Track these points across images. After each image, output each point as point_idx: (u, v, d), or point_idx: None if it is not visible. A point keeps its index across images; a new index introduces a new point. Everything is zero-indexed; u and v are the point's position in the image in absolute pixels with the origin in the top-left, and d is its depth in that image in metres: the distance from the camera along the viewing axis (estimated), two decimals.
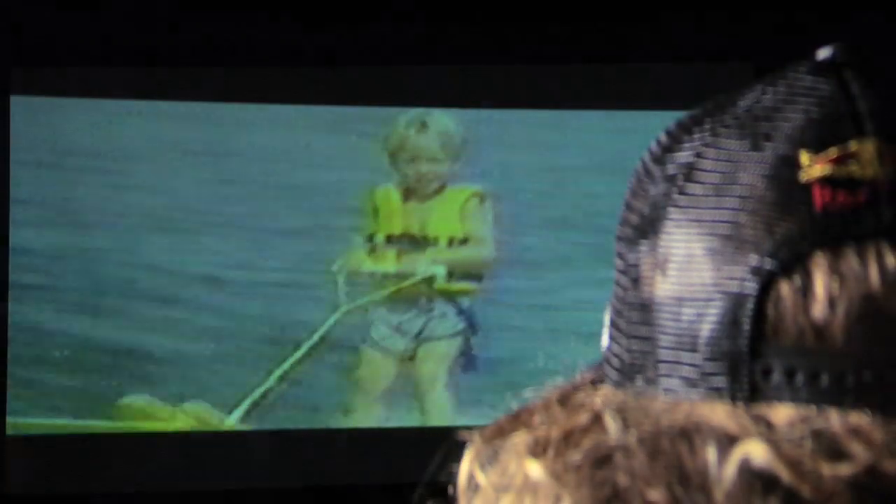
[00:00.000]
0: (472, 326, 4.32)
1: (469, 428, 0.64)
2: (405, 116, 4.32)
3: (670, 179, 0.59)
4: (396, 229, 4.31)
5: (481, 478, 0.61)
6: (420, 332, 4.30)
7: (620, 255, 0.61)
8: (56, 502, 4.13)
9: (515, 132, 4.34)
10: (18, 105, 4.15)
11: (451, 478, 0.63)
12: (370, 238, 4.30)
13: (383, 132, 4.31)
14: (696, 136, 0.59)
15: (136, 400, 4.14)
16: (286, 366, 4.20)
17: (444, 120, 4.35)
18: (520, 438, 0.59)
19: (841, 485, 0.51)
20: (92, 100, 4.19)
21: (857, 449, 0.52)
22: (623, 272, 0.61)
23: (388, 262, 4.31)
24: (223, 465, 4.16)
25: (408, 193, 4.33)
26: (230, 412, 4.16)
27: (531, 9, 4.23)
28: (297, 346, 4.22)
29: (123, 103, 4.19)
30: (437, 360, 4.30)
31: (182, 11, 4.13)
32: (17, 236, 4.13)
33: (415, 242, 4.32)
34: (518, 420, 0.62)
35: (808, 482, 0.51)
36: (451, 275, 4.33)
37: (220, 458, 4.16)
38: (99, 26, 4.13)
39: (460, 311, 4.32)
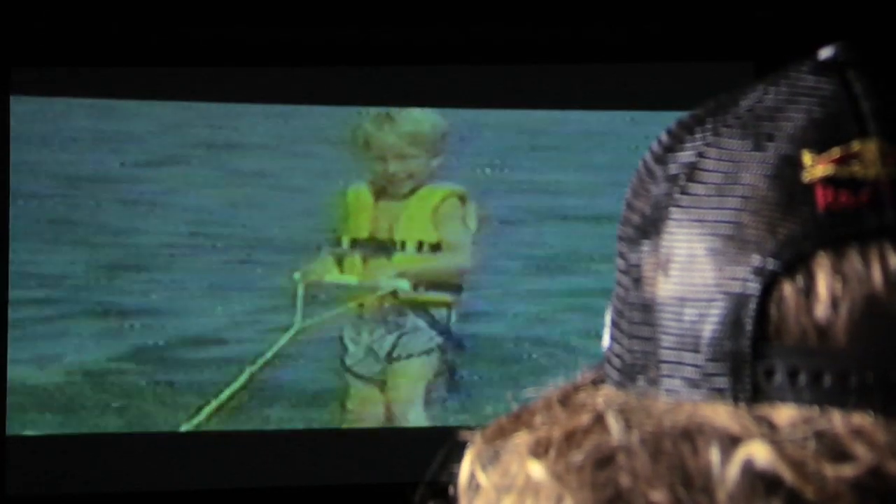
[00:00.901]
0: (449, 342, 4.10)
1: (470, 428, 0.64)
2: (371, 112, 4.16)
3: (672, 179, 0.59)
4: (363, 233, 4.06)
5: (482, 478, 0.60)
6: (391, 351, 4.04)
7: (622, 255, 0.61)
8: (56, 502, 4.13)
9: (511, 131, 4.31)
10: (18, 105, 4.15)
11: (452, 478, 0.63)
12: (336, 242, 4.10)
13: (353, 130, 4.17)
14: (698, 135, 0.59)
15: None
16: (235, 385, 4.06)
17: (413, 115, 4.15)
18: (521, 439, 0.59)
19: (844, 486, 0.51)
20: (92, 100, 4.19)
21: (861, 450, 0.52)
22: (625, 272, 0.60)
23: (353, 271, 4.07)
24: (223, 465, 4.16)
25: (379, 193, 4.09)
26: None
27: (531, 9, 4.23)
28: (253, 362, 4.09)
29: (123, 103, 4.19)
30: (412, 381, 4.06)
31: (183, 11, 4.12)
32: (17, 236, 4.13)
33: (381, 248, 4.09)
34: (519, 420, 0.61)
35: (812, 483, 0.51)
36: (416, 286, 4.07)
37: (221, 458, 4.16)
38: (99, 26, 4.13)
39: (433, 324, 4.08)
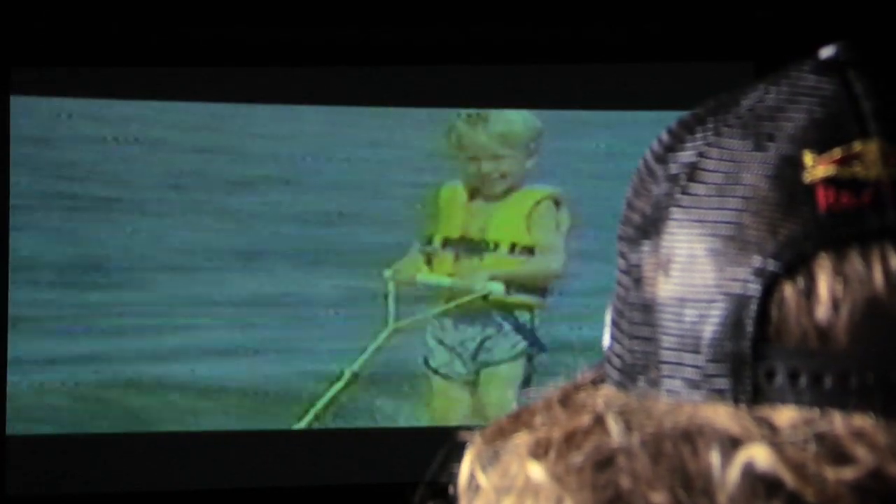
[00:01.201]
0: (535, 345, 4.05)
1: (470, 428, 0.64)
2: (465, 112, 4.15)
3: (673, 179, 0.58)
4: (455, 232, 4.03)
5: (482, 479, 0.60)
6: (476, 354, 3.99)
7: (622, 255, 0.61)
8: (56, 502, 4.13)
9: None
10: (18, 105, 4.15)
11: (452, 478, 0.63)
12: (428, 241, 4.09)
13: (447, 130, 4.16)
14: (699, 135, 0.59)
15: None
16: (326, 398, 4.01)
17: (506, 115, 4.14)
18: (521, 439, 0.59)
19: (844, 488, 0.51)
20: (92, 100, 4.19)
21: (861, 452, 0.51)
22: (625, 272, 0.60)
23: (443, 270, 4.03)
24: (223, 465, 4.16)
25: (474, 193, 4.06)
26: None
27: (531, 9, 4.23)
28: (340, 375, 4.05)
29: (123, 103, 4.19)
30: (502, 384, 3.98)
31: (183, 11, 4.12)
32: (17, 236, 4.13)
33: (473, 247, 4.06)
34: (519, 420, 0.61)
35: (812, 486, 0.51)
36: (509, 287, 4.03)
37: (222, 458, 4.16)
38: (99, 26, 4.13)
39: (519, 328, 4.04)
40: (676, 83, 4.15)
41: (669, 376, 0.57)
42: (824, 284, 0.54)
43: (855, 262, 0.54)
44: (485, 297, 4.00)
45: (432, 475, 0.69)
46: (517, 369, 4.02)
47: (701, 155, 0.58)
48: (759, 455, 0.51)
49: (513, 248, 4.03)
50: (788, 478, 0.51)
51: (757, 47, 4.16)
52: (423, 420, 4.09)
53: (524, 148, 4.11)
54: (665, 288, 0.58)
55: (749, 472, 0.51)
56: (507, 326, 4.00)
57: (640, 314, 0.59)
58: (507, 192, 4.08)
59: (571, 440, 0.57)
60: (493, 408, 3.95)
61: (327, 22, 4.20)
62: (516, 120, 4.13)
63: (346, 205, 4.13)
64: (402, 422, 4.09)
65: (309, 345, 4.10)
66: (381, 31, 4.24)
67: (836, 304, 0.53)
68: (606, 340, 0.62)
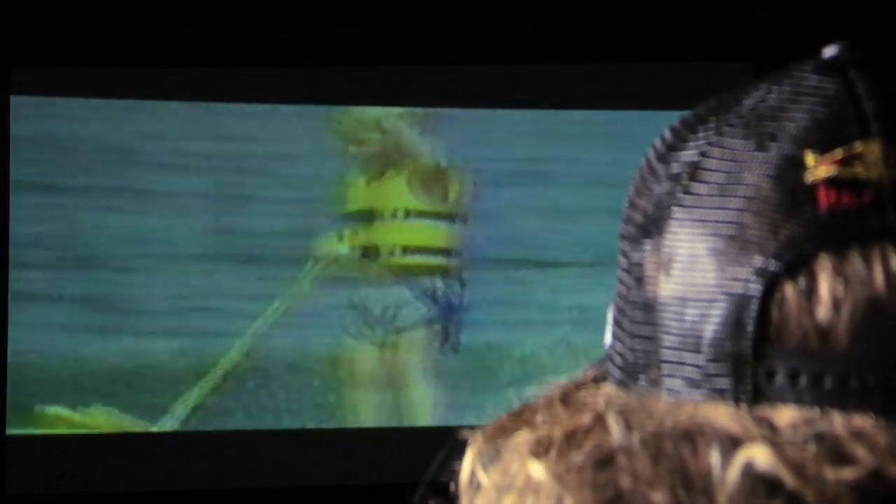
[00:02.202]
0: (446, 308, 4.25)
1: (472, 427, 0.64)
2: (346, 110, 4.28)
3: (675, 178, 0.58)
4: (355, 207, 4.25)
5: (483, 477, 0.60)
6: (391, 319, 4.21)
7: (624, 254, 0.61)
8: (56, 502, 4.13)
9: (507, 131, 4.32)
10: (18, 105, 4.15)
11: (453, 476, 0.63)
12: (337, 219, 4.26)
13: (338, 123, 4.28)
14: (701, 134, 0.59)
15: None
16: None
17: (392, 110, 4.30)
18: (522, 438, 0.59)
19: (844, 489, 0.51)
20: (92, 100, 4.19)
21: (861, 453, 0.51)
22: (627, 271, 0.60)
23: (347, 243, 4.25)
24: (223, 465, 4.16)
25: (371, 175, 4.26)
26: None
27: (530, 9, 4.23)
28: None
29: (124, 103, 4.20)
30: (414, 347, 4.23)
31: (183, 11, 4.12)
32: (17, 235, 4.13)
33: (371, 218, 4.26)
34: (520, 418, 0.61)
35: (812, 486, 0.51)
36: (411, 252, 4.25)
37: (221, 458, 4.16)
38: (99, 26, 4.13)
39: (427, 293, 4.24)
40: (676, 83, 4.15)
41: (670, 375, 0.57)
42: (825, 285, 0.54)
43: (856, 263, 0.54)
44: (390, 265, 4.23)
45: (433, 475, 0.69)
46: (429, 332, 4.21)
47: (703, 154, 0.58)
48: (759, 455, 0.51)
49: (407, 214, 4.25)
50: (788, 478, 0.51)
51: (757, 47, 4.16)
52: (341, 387, 4.20)
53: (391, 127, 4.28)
54: (666, 287, 0.58)
55: (749, 472, 0.51)
56: (415, 292, 4.21)
57: (641, 313, 0.59)
58: (395, 165, 4.26)
59: (572, 439, 0.57)
60: (407, 372, 4.18)
61: (327, 22, 4.20)
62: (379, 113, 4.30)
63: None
64: (321, 388, 4.18)
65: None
66: (381, 31, 4.24)
67: (836, 305, 0.53)
68: (608, 339, 0.62)
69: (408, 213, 4.27)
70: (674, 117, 0.62)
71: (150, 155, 4.22)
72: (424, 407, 4.25)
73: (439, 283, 4.25)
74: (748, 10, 4.23)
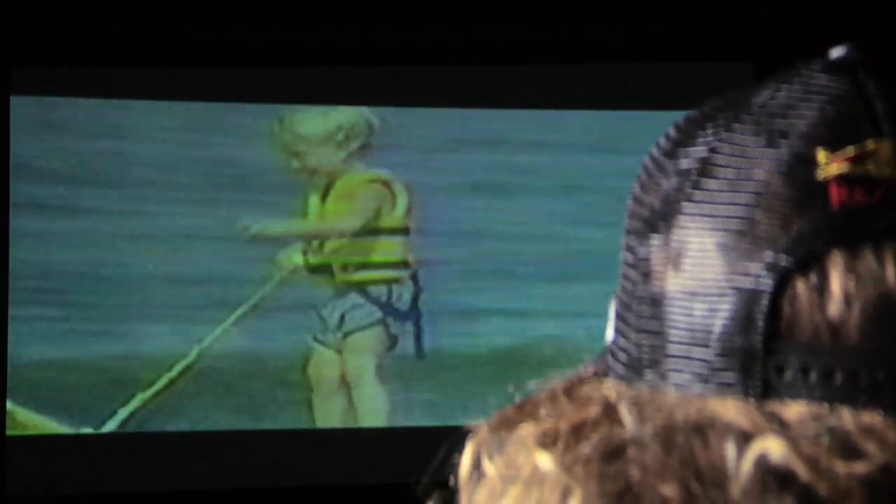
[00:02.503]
0: (391, 314, 4.32)
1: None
2: (283, 113, 4.30)
3: (684, 174, 0.58)
4: (311, 224, 4.31)
5: (489, 467, 0.60)
6: (340, 324, 4.32)
7: (630, 249, 0.61)
8: (56, 502, 4.13)
9: (505, 131, 4.33)
10: (18, 105, 4.15)
11: (453, 469, 0.63)
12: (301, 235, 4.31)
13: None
14: (710, 131, 0.59)
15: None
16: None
17: (306, 115, 4.31)
18: (527, 430, 0.59)
19: (856, 483, 0.51)
20: (92, 100, 4.19)
21: (872, 448, 0.51)
22: (632, 266, 0.60)
23: (317, 255, 4.31)
24: (223, 465, 4.16)
25: (323, 188, 4.31)
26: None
27: (531, 9, 4.23)
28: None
29: (124, 103, 4.20)
30: (361, 349, 4.32)
31: (183, 11, 4.12)
32: (17, 236, 4.13)
33: (323, 235, 4.32)
34: (523, 411, 0.61)
35: (825, 480, 0.51)
36: (354, 267, 4.32)
37: (221, 458, 4.16)
38: (99, 26, 4.13)
39: (373, 300, 4.32)
40: (676, 83, 4.15)
41: (677, 370, 0.57)
42: (837, 281, 0.54)
43: (868, 260, 0.54)
44: (333, 275, 4.34)
45: (435, 471, 0.69)
46: (376, 335, 4.33)
47: (712, 150, 0.58)
48: (773, 448, 0.52)
49: (346, 231, 4.34)
50: (802, 471, 0.51)
51: (757, 47, 4.17)
52: (303, 383, 4.29)
53: (331, 142, 4.30)
54: (674, 282, 0.58)
55: (762, 465, 0.51)
56: (362, 299, 4.33)
57: (648, 308, 0.59)
58: (330, 180, 4.32)
59: (580, 431, 0.57)
60: (356, 370, 4.32)
61: (327, 22, 4.20)
62: (314, 118, 4.31)
63: None
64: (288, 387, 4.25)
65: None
66: (381, 31, 4.24)
67: (848, 301, 0.53)
68: (610, 334, 0.62)
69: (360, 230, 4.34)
70: (674, 117, 0.62)
71: (150, 155, 4.22)
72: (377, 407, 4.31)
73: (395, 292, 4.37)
74: (748, 10, 4.23)
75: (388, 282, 4.33)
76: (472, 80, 4.29)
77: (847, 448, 0.52)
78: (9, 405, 4.11)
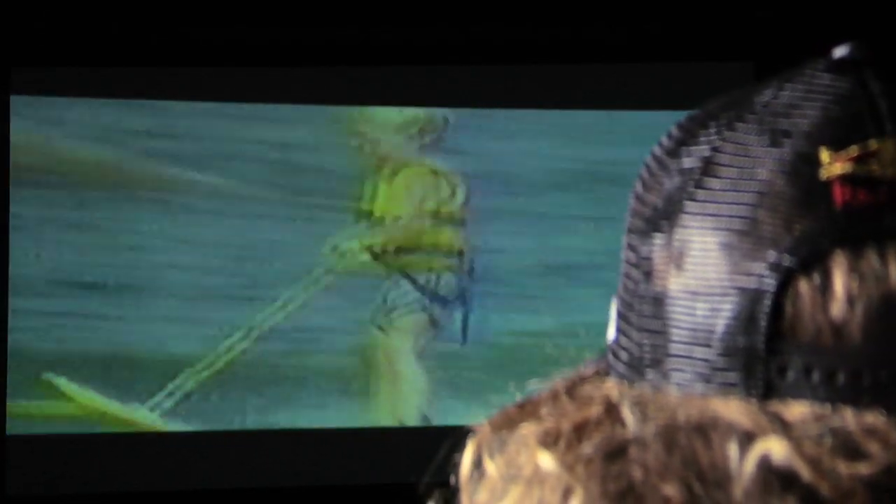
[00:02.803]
0: (435, 301, 4.36)
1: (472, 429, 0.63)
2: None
3: (686, 173, 0.58)
4: (372, 209, 4.37)
5: (490, 466, 0.60)
6: (386, 307, 4.36)
7: (632, 248, 0.60)
8: (56, 502, 4.13)
9: (505, 129, 4.34)
10: (18, 105, 4.14)
11: (454, 469, 0.63)
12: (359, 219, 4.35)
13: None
14: (713, 130, 0.59)
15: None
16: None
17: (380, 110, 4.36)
18: (528, 429, 0.59)
19: (859, 484, 0.51)
20: (92, 100, 4.19)
21: (875, 449, 0.51)
22: (635, 265, 0.60)
23: (366, 242, 4.36)
24: (223, 465, 4.16)
25: (383, 178, 4.36)
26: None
27: (531, 9, 4.23)
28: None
29: (124, 103, 4.20)
30: (404, 332, 4.37)
31: (183, 11, 4.12)
32: (17, 236, 4.13)
33: (377, 221, 4.35)
34: (524, 411, 0.61)
35: (828, 481, 0.51)
36: (400, 252, 4.35)
37: (221, 458, 4.16)
38: (99, 26, 4.13)
39: (417, 286, 4.36)
40: (676, 83, 4.15)
41: (679, 370, 0.57)
42: (840, 281, 0.54)
43: (871, 260, 0.54)
44: (382, 261, 4.38)
45: (435, 470, 0.69)
46: (422, 321, 4.36)
47: (715, 149, 0.58)
48: (776, 448, 0.51)
49: (398, 218, 4.37)
50: (805, 472, 0.51)
51: (757, 47, 4.17)
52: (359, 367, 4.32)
53: (403, 133, 4.36)
54: (677, 281, 0.58)
55: (765, 465, 0.51)
56: (407, 285, 4.38)
57: (650, 307, 0.59)
58: (395, 170, 4.36)
59: (581, 431, 0.57)
60: (397, 352, 4.36)
61: (327, 22, 4.20)
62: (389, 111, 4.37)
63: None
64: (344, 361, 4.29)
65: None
66: (381, 31, 4.24)
67: (851, 301, 0.53)
68: (611, 333, 0.62)
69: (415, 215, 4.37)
70: (674, 117, 0.62)
71: (150, 154, 4.22)
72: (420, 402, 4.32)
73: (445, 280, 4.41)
74: (748, 10, 4.23)
75: (441, 270, 4.38)
76: (471, 80, 4.29)
77: (850, 449, 0.51)
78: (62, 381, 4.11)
